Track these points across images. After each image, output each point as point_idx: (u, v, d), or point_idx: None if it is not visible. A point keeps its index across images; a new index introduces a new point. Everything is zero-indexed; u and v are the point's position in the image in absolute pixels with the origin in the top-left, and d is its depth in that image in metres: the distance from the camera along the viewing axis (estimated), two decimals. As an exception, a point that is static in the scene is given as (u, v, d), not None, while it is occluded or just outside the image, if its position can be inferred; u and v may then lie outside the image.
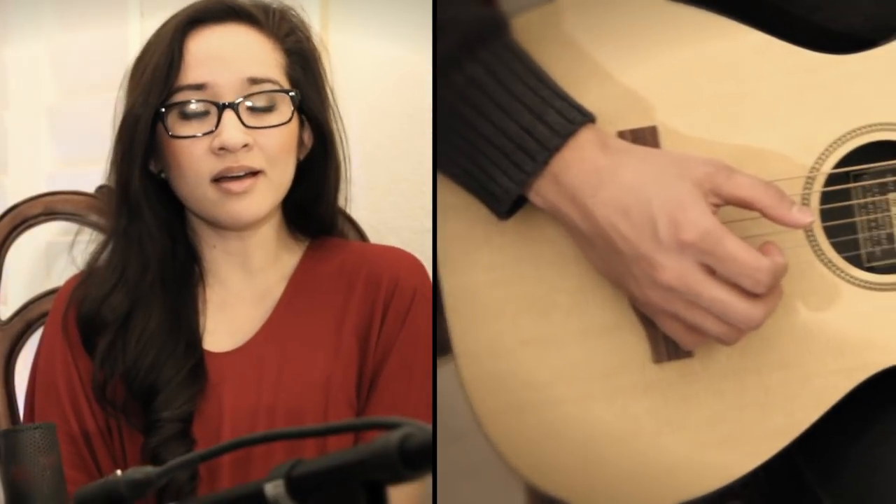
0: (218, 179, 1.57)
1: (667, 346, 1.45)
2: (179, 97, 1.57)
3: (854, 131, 1.43)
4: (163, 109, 1.57)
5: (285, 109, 1.59)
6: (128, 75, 1.62)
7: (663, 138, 1.45)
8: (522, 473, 1.49)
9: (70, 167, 2.04)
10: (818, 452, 1.48)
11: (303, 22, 1.65)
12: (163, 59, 1.58)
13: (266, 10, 1.63)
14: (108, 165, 1.63)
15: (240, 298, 1.64)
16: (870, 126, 1.42)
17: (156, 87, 1.57)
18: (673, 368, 1.45)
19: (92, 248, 1.67)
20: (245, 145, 1.56)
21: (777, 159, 1.43)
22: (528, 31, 1.47)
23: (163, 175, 1.61)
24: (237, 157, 1.56)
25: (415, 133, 1.89)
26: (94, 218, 1.78)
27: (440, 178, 1.49)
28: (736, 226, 1.41)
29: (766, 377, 1.43)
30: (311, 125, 1.64)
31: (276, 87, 1.59)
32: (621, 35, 1.47)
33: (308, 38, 1.65)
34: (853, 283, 1.43)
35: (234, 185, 1.57)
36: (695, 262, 1.36)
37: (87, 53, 2.02)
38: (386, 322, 1.60)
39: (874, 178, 1.44)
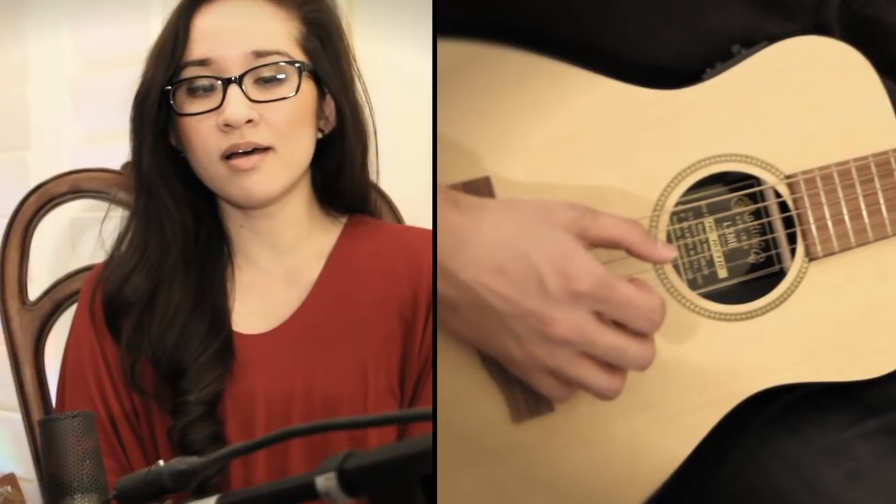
0: (228, 157, 1.54)
1: (526, 403, 1.39)
2: (185, 74, 1.55)
3: (694, 165, 1.41)
4: (169, 87, 1.54)
5: (294, 82, 1.52)
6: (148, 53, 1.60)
7: (498, 188, 1.39)
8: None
9: (94, 143, 1.99)
10: (679, 486, 1.46)
11: None
12: (169, 35, 1.56)
13: None
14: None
15: (272, 279, 1.59)
16: (709, 158, 1.41)
17: (162, 63, 1.55)
18: (535, 426, 1.40)
19: (120, 229, 1.63)
20: (249, 121, 1.53)
21: (619, 199, 1.39)
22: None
23: (182, 154, 1.58)
24: (243, 134, 1.53)
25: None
26: (121, 195, 1.73)
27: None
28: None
29: (631, 420, 1.41)
30: (332, 97, 1.58)
31: (283, 60, 1.55)
32: (437, 82, 1.40)
33: (329, 9, 1.59)
34: (708, 317, 1.42)
35: (242, 162, 1.54)
36: (588, 311, 1.32)
37: (109, 26, 1.97)
38: (432, 313, 1.56)
39: (697, 216, 1.44)
